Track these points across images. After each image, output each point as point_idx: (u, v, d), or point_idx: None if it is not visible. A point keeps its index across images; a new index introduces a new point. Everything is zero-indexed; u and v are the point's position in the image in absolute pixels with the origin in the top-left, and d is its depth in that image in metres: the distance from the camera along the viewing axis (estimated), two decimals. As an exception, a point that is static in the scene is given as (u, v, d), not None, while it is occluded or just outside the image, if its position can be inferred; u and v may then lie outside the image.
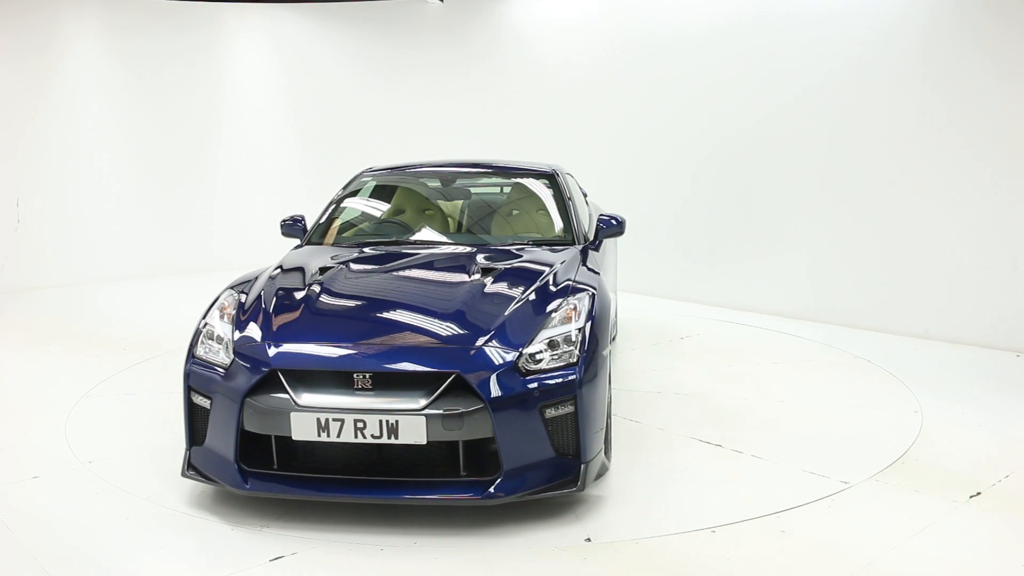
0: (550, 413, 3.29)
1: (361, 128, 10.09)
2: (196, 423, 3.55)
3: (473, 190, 5.34)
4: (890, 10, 6.58)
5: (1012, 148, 6.04)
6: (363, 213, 5.15)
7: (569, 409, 3.30)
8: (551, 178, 5.13)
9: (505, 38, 9.32)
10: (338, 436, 3.23)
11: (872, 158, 6.76)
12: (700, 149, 7.81)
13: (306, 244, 4.83)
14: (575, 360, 3.36)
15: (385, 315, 3.68)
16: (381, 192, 5.31)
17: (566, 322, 3.52)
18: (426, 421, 3.18)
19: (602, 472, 3.58)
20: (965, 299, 6.36)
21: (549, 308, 3.61)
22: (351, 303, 3.81)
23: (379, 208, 5.21)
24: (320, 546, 3.20)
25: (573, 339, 3.44)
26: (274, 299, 3.79)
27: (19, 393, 5.20)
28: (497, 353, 3.34)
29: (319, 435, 3.24)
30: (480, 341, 3.38)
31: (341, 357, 3.37)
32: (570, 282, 3.86)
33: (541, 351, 3.38)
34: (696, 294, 7.76)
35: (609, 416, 3.73)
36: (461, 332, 3.44)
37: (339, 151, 10.11)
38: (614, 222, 4.89)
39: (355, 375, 3.28)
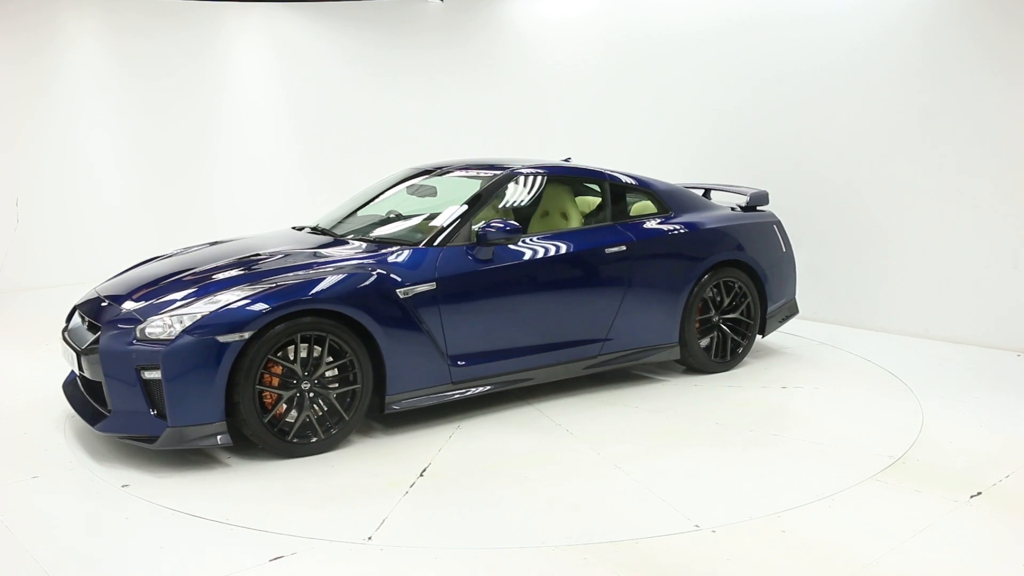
0: (146, 375, 3.85)
1: (361, 128, 10.08)
2: None
3: (440, 189, 5.31)
4: (890, 10, 6.58)
5: (1012, 148, 6.03)
6: (346, 205, 5.53)
7: (157, 375, 3.81)
8: (502, 176, 4.94)
9: (505, 38, 9.31)
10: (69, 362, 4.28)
11: (872, 157, 6.75)
12: (700, 148, 7.80)
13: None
14: (173, 337, 3.82)
15: (153, 284, 4.32)
16: (388, 187, 5.51)
17: (210, 305, 3.93)
18: (76, 357, 4.11)
19: (212, 440, 3.85)
20: (965, 299, 6.35)
21: (226, 291, 4.04)
22: (163, 267, 4.61)
23: (361, 201, 5.49)
24: (320, 546, 3.20)
25: (195, 320, 3.86)
26: (152, 258, 4.91)
27: (19, 393, 5.20)
28: (133, 317, 4.01)
29: (64, 358, 4.34)
30: (135, 305, 4.10)
31: (91, 301, 4.39)
32: (284, 275, 4.16)
33: (171, 325, 3.88)
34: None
35: None
36: (145, 297, 4.15)
37: (339, 150, 10.10)
38: (489, 229, 4.47)
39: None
